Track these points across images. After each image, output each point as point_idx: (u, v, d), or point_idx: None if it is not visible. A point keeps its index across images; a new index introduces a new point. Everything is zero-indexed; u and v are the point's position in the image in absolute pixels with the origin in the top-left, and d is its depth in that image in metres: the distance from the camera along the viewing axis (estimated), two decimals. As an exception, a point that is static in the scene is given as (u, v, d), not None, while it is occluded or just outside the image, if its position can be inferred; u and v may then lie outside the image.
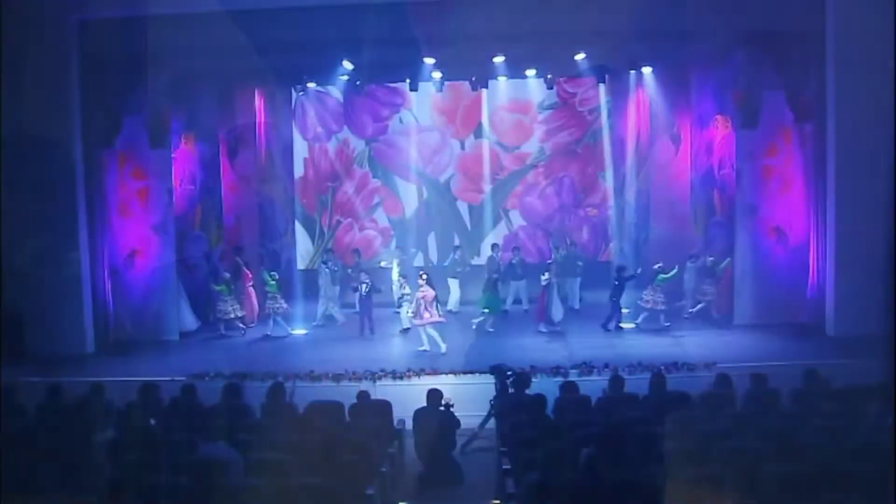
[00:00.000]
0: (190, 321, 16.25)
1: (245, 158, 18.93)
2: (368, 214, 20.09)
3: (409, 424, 10.41)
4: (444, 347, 14.15)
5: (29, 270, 14.09)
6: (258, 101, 19.33)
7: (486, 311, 15.70)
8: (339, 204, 20.08)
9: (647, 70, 17.96)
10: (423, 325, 14.31)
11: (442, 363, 13.09)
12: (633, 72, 18.31)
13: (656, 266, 15.68)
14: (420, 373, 12.66)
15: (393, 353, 14.38)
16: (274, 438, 8.67)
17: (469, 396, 11.53)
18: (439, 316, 14.30)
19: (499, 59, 16.94)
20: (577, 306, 16.78)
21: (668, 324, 15.46)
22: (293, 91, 19.20)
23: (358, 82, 18.38)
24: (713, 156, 17.19)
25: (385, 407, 10.58)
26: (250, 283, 16.68)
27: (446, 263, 19.45)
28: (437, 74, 17.43)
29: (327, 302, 16.71)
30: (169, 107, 15.66)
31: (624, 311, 16.58)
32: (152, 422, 8.78)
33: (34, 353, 13.96)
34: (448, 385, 11.26)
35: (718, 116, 17.02)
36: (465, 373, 12.59)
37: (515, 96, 19.77)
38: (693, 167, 17.88)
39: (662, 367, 12.14)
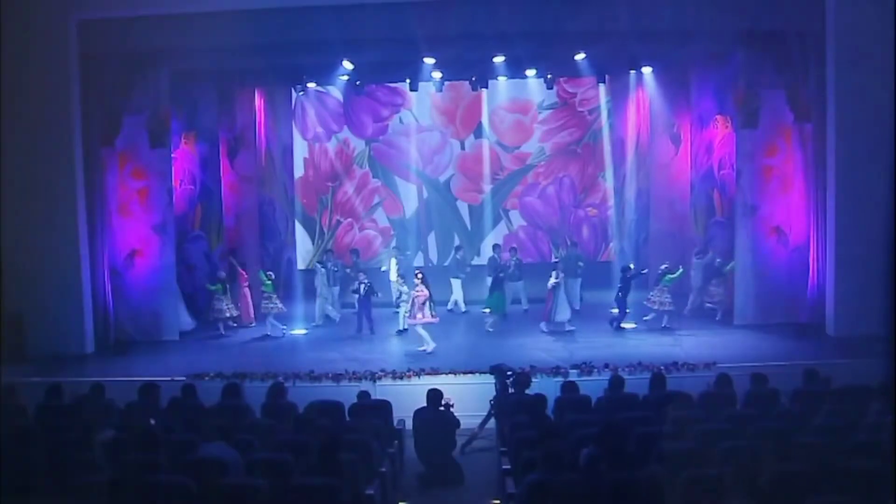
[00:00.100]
0: (186, 321, 16.25)
1: (245, 158, 18.92)
2: (368, 214, 20.10)
3: (409, 424, 10.41)
4: (430, 347, 14.14)
5: (29, 270, 14.08)
6: (258, 101, 19.32)
7: (491, 310, 15.68)
8: (339, 204, 20.08)
9: (647, 70, 17.95)
10: (416, 325, 14.32)
11: (442, 363, 13.06)
12: (633, 72, 18.30)
13: (663, 266, 15.66)
14: (420, 373, 12.65)
15: (393, 353, 14.37)
16: (274, 438, 8.68)
17: (469, 396, 11.53)
18: (432, 316, 14.28)
19: (499, 59, 16.93)
20: (577, 307, 16.75)
21: (668, 326, 15.43)
22: (293, 91, 19.20)
23: (358, 82, 18.37)
24: (713, 156, 17.19)
25: (385, 407, 10.59)
26: (246, 284, 16.69)
27: (446, 263, 19.47)
28: (437, 74, 17.42)
29: (324, 302, 16.70)
30: (169, 107, 15.64)
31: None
32: (152, 422, 8.77)
33: (34, 353, 13.95)
34: (448, 385, 11.23)
35: (718, 116, 17.02)
36: (465, 373, 12.57)
37: (515, 96, 19.77)
38: (693, 167, 17.88)
39: (662, 367, 12.14)
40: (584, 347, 14.07)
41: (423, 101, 19.54)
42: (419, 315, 14.27)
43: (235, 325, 16.25)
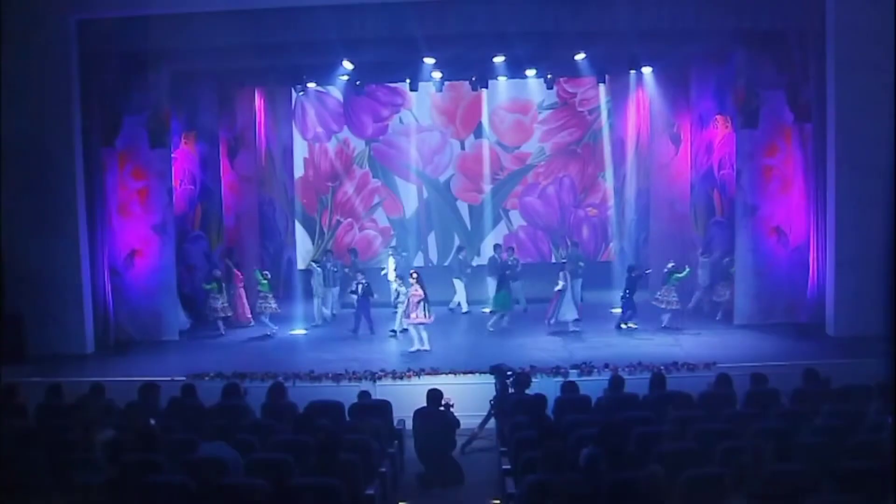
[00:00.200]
0: (182, 320, 16.25)
1: (245, 158, 18.93)
2: (368, 214, 20.10)
3: (409, 424, 10.41)
4: (425, 347, 14.15)
5: (29, 270, 14.08)
6: (258, 101, 19.34)
7: (498, 309, 15.65)
8: (339, 204, 20.08)
9: (647, 70, 17.94)
10: (410, 325, 14.31)
11: (442, 363, 13.06)
12: (633, 72, 18.30)
13: (669, 265, 15.66)
14: (420, 373, 12.64)
15: (392, 353, 14.36)
16: (274, 438, 8.69)
17: (469, 396, 11.52)
18: (426, 317, 14.27)
19: (499, 59, 16.93)
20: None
21: (666, 325, 15.42)
22: (293, 91, 19.18)
23: (358, 82, 18.36)
24: (713, 156, 17.18)
25: (385, 407, 10.58)
26: (241, 283, 16.71)
27: (446, 263, 19.49)
28: (437, 74, 17.41)
29: (320, 302, 16.69)
30: (169, 107, 15.64)
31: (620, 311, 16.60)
32: (152, 422, 8.78)
33: (34, 353, 13.95)
34: (448, 385, 11.23)
35: (718, 116, 17.01)
36: (465, 373, 12.57)
37: (515, 96, 19.77)
38: (693, 167, 17.87)
39: (662, 367, 12.14)
40: (584, 347, 14.07)
41: (423, 101, 19.53)
42: (413, 315, 14.27)
43: (223, 325, 16.22)
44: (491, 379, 11.53)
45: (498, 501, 9.16)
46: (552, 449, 7.28)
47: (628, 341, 14.65)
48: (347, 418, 9.97)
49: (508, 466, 8.60)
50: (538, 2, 14.33)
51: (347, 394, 11.27)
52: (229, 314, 16.25)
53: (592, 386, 11.15)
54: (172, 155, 16.15)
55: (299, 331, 16.29)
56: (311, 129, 19.98)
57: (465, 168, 20.02)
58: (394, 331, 15.38)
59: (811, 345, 13.77)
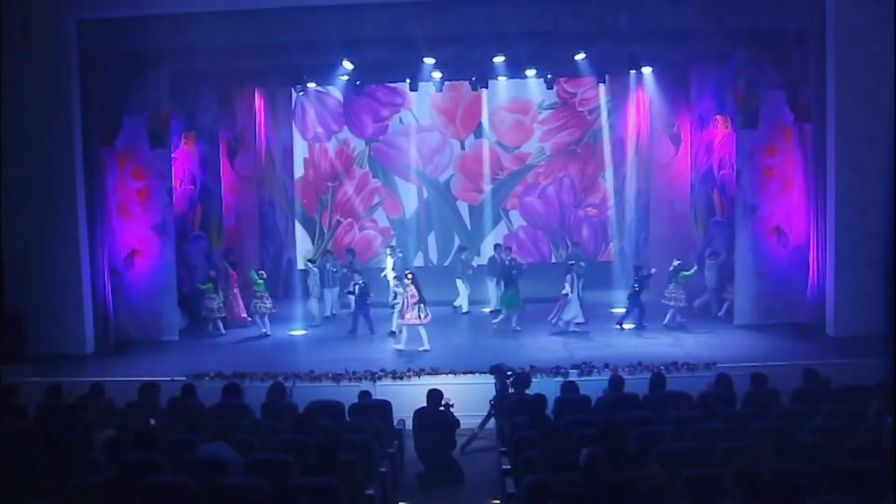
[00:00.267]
0: (177, 320, 16.24)
1: (245, 158, 18.93)
2: (368, 214, 20.11)
3: (409, 424, 10.41)
4: (403, 345, 14.17)
5: (29, 270, 14.08)
6: (258, 101, 19.34)
7: (508, 308, 15.63)
8: (339, 204, 20.09)
9: (647, 70, 17.94)
10: (403, 325, 14.31)
11: (442, 363, 13.05)
12: (633, 72, 18.30)
13: (676, 263, 15.68)
14: (420, 373, 12.65)
15: (393, 352, 14.35)
16: (274, 438, 8.68)
17: (469, 396, 11.52)
18: (420, 318, 14.24)
19: (499, 59, 16.93)
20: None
21: (667, 323, 15.45)
22: (293, 91, 19.18)
23: (358, 82, 18.36)
24: (713, 156, 17.18)
25: (385, 407, 10.58)
26: (235, 283, 16.73)
27: (447, 263, 19.50)
28: (437, 74, 17.41)
29: (316, 302, 16.68)
30: (169, 107, 15.64)
31: (623, 310, 16.58)
32: (152, 422, 8.77)
33: (34, 353, 13.95)
34: (448, 385, 11.23)
35: (718, 116, 17.00)
36: (465, 373, 12.57)
37: (515, 96, 19.78)
38: (693, 167, 17.87)
39: (662, 367, 12.14)
40: (584, 347, 14.07)
41: (423, 101, 19.54)
42: (408, 315, 14.27)
43: (222, 326, 16.25)
44: (491, 379, 11.53)
45: (498, 501, 9.16)
46: (552, 449, 7.28)
47: (628, 341, 14.64)
48: (347, 418, 9.97)
49: (508, 466, 8.60)
50: (538, 2, 14.33)
51: (347, 394, 11.27)
52: (224, 314, 16.26)
53: (592, 386, 11.14)
54: (172, 155, 16.15)
55: (299, 331, 16.28)
56: (311, 129, 19.98)
57: (465, 168, 20.03)
58: (393, 332, 15.39)
59: (811, 345, 13.77)
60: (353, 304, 15.90)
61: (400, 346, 14.25)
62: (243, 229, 19.04)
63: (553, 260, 19.78)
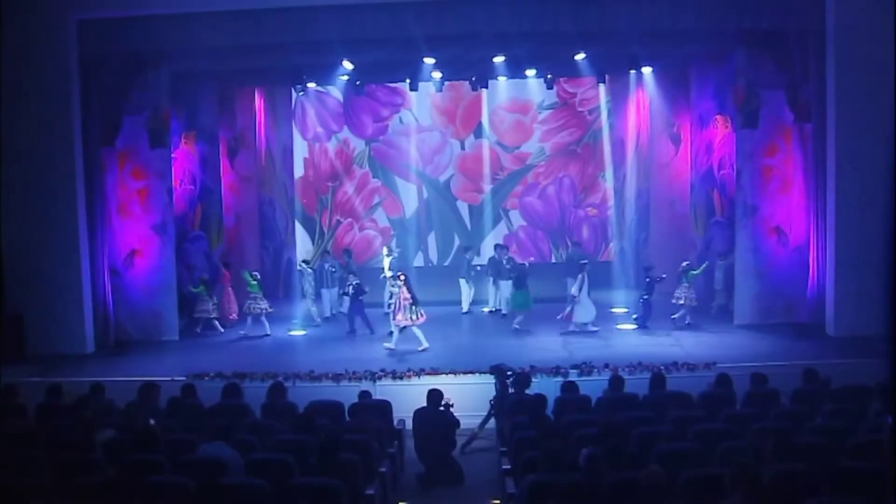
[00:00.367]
0: None
1: (245, 158, 18.93)
2: (368, 214, 20.10)
3: (409, 424, 10.41)
4: (393, 345, 14.16)
5: (29, 270, 14.09)
6: (258, 101, 19.34)
7: (519, 308, 15.63)
8: (339, 204, 20.08)
9: (647, 70, 17.94)
10: (397, 326, 14.33)
11: (442, 363, 13.05)
12: (633, 72, 18.30)
13: (684, 263, 15.69)
14: (420, 373, 12.64)
15: (394, 352, 14.33)
16: (274, 438, 8.69)
17: (469, 396, 11.53)
18: (411, 319, 14.22)
19: (499, 59, 16.93)
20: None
21: (691, 322, 15.45)
22: (293, 91, 19.18)
23: (358, 82, 18.37)
24: (713, 156, 17.18)
25: (385, 407, 10.59)
26: (229, 284, 16.74)
27: (447, 263, 19.50)
28: (437, 74, 17.42)
29: (310, 302, 16.65)
30: (169, 107, 15.63)
31: (623, 310, 16.60)
32: (152, 422, 8.78)
33: (34, 353, 13.95)
34: (448, 385, 11.23)
35: (718, 116, 17.01)
36: (465, 373, 12.56)
37: (515, 96, 19.77)
38: (693, 167, 17.88)
39: (662, 367, 12.14)
40: (584, 347, 14.05)
41: (423, 101, 19.54)
42: (399, 316, 14.28)
43: (221, 329, 16.26)
44: (491, 379, 11.54)
45: (498, 501, 9.16)
46: (552, 449, 7.28)
47: (628, 341, 14.63)
48: (347, 418, 9.98)
49: (508, 466, 8.60)
50: (538, 2, 14.33)
51: (347, 394, 11.27)
52: (217, 315, 16.28)
53: (592, 386, 11.14)
54: (172, 155, 16.14)
55: (299, 331, 16.28)
56: (311, 129, 19.98)
57: (465, 168, 20.02)
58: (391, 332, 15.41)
59: (811, 345, 13.76)
60: (347, 305, 15.92)
61: (390, 346, 14.24)
62: (243, 229, 19.04)
63: (553, 260, 19.77)
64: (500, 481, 9.13)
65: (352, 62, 16.51)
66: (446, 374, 12.58)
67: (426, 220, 20.04)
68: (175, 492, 6.95)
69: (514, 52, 16.17)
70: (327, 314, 17.07)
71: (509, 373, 11.22)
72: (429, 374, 12.58)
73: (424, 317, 14.39)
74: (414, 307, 14.21)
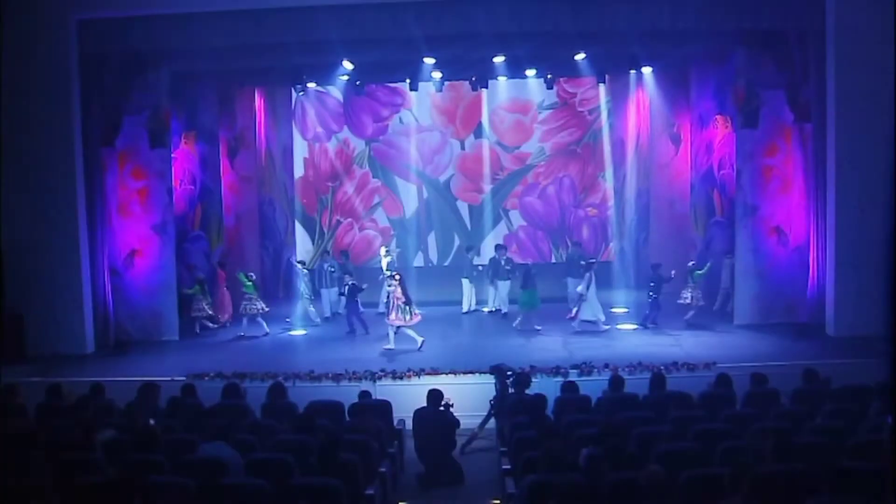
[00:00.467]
0: None
1: (245, 158, 18.94)
2: (368, 214, 20.10)
3: (409, 424, 10.41)
4: (392, 345, 14.22)
5: (29, 270, 14.09)
6: (258, 101, 19.35)
7: (527, 308, 15.63)
8: (339, 204, 20.09)
9: (647, 70, 17.95)
10: (392, 325, 14.36)
11: (442, 363, 13.04)
12: (633, 72, 18.31)
13: (690, 263, 15.72)
14: (420, 373, 12.64)
15: (403, 353, 14.32)
16: (274, 438, 8.69)
17: (469, 396, 11.52)
18: (405, 319, 14.25)
19: (499, 59, 16.94)
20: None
21: (697, 320, 15.47)
22: (293, 91, 19.19)
23: (358, 82, 18.37)
24: (713, 156, 17.19)
25: (385, 407, 10.59)
26: (224, 284, 16.75)
27: (447, 263, 19.51)
28: (437, 74, 17.42)
29: (306, 303, 16.66)
30: (169, 107, 15.64)
31: (623, 310, 16.59)
32: (152, 422, 8.78)
33: (34, 353, 13.95)
34: (448, 385, 11.23)
35: (718, 116, 17.03)
36: (465, 373, 12.56)
37: (515, 96, 19.78)
38: (693, 167, 17.88)
39: (662, 367, 12.14)
40: (584, 347, 14.05)
41: (423, 101, 19.54)
42: (392, 316, 14.32)
43: (214, 325, 16.30)
44: (491, 379, 11.54)
45: (498, 501, 9.16)
46: (552, 449, 7.28)
47: (628, 341, 14.62)
48: (347, 418, 9.97)
49: (508, 466, 8.60)
50: (538, 2, 14.33)
51: (347, 394, 11.27)
52: (211, 314, 16.30)
53: (592, 386, 11.14)
54: (172, 155, 16.16)
55: (300, 331, 16.28)
56: (311, 129, 19.99)
57: (465, 168, 20.03)
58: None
59: (811, 345, 13.76)
60: (344, 306, 15.95)
61: (390, 347, 14.26)
62: (243, 229, 19.04)
63: (553, 260, 19.77)
64: (500, 481, 9.13)
65: (352, 62, 16.51)
66: (446, 374, 12.58)
67: (426, 220, 20.04)
68: (175, 492, 6.95)
69: (514, 52, 16.17)
70: (327, 314, 17.09)
71: (509, 373, 11.22)
72: (429, 374, 12.58)
73: (418, 317, 14.42)
74: (408, 307, 14.23)
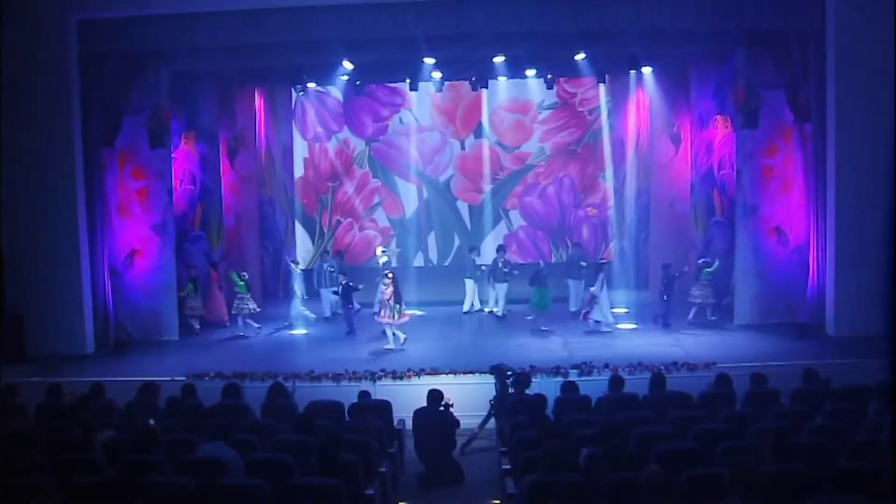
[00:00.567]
0: None
1: (245, 158, 18.93)
2: (368, 214, 20.11)
3: (409, 424, 10.41)
4: (392, 344, 14.29)
5: (29, 270, 14.09)
6: (258, 101, 19.34)
7: (537, 308, 15.63)
8: (339, 204, 20.09)
9: (647, 70, 17.93)
10: (382, 323, 14.40)
11: (442, 363, 13.05)
12: (633, 72, 18.29)
13: (700, 261, 15.75)
14: (420, 373, 12.64)
15: (392, 352, 14.33)
16: (274, 438, 8.69)
17: (469, 396, 11.52)
18: (393, 317, 14.30)
19: (499, 59, 16.92)
20: (574, 307, 16.67)
21: (714, 318, 15.52)
22: (293, 91, 19.19)
23: (358, 82, 18.36)
24: (713, 156, 17.18)
25: (385, 407, 10.59)
26: (217, 285, 16.75)
27: (446, 263, 19.50)
28: (437, 74, 17.41)
29: (300, 302, 16.65)
30: (169, 107, 15.64)
31: (623, 310, 16.58)
32: (152, 422, 8.78)
33: (34, 353, 13.95)
34: (448, 385, 11.23)
35: (718, 116, 17.01)
36: (465, 373, 12.57)
37: (515, 96, 19.78)
38: (693, 167, 17.87)
39: (662, 367, 12.14)
40: (584, 347, 14.05)
41: (423, 101, 19.54)
42: (383, 313, 14.35)
43: (198, 327, 16.25)
44: (491, 379, 11.53)
45: (498, 501, 9.16)
46: (552, 449, 7.28)
47: (628, 341, 14.63)
48: (347, 418, 9.97)
49: (508, 466, 8.60)
50: (538, 2, 14.33)
51: (347, 394, 11.27)
52: (202, 313, 16.30)
53: (592, 386, 11.15)
54: (172, 155, 16.14)
55: (300, 331, 16.28)
56: (311, 129, 19.99)
57: (465, 168, 20.02)
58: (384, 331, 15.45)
59: (811, 345, 13.76)
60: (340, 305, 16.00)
61: (389, 346, 14.28)
62: (243, 229, 19.03)
63: (553, 260, 19.77)
64: (500, 481, 9.13)
65: (352, 62, 16.50)
66: (446, 374, 12.58)
67: (426, 220, 20.04)
68: (175, 492, 6.95)
69: (514, 52, 16.16)
70: (327, 314, 17.08)
71: (509, 373, 11.22)
72: (429, 374, 12.58)
73: (406, 317, 14.49)
74: (397, 306, 14.27)
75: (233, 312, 16.09)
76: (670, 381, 10.53)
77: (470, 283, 17.43)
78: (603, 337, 14.95)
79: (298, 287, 16.60)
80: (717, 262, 15.70)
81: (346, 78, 17.93)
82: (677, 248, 17.74)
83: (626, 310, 16.69)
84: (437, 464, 10.09)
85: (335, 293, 16.28)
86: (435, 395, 10.18)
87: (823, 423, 8.36)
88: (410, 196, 20.03)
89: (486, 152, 19.89)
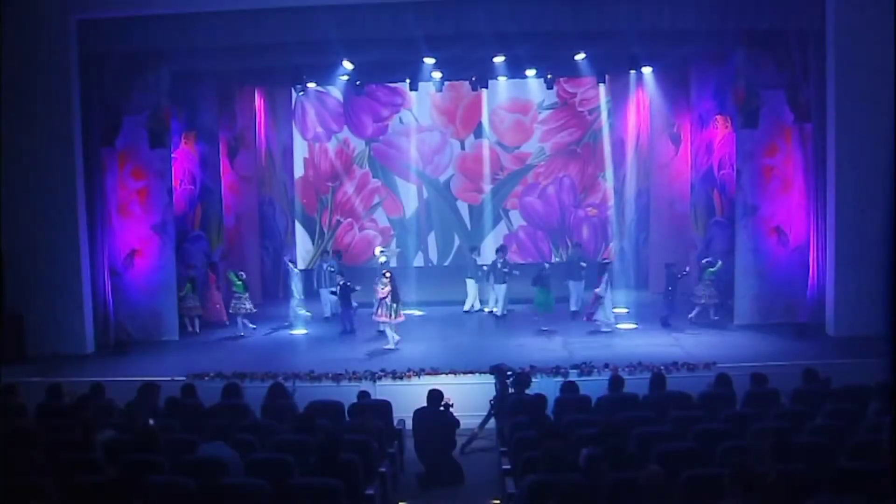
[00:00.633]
0: None
1: (245, 158, 18.93)
2: (368, 214, 20.11)
3: (409, 424, 10.41)
4: (392, 345, 14.33)
5: (29, 270, 14.08)
6: (258, 101, 19.34)
7: (541, 309, 15.64)
8: (339, 204, 20.09)
9: (647, 70, 17.93)
10: (379, 322, 14.44)
11: (442, 363, 13.05)
12: (633, 72, 18.28)
13: (703, 261, 15.75)
14: (420, 373, 12.64)
15: (392, 352, 14.33)
16: (274, 438, 8.69)
17: (469, 396, 11.52)
18: (389, 317, 14.34)
19: (499, 59, 16.93)
20: (574, 307, 16.68)
21: (717, 317, 15.54)
22: (293, 91, 19.18)
23: (358, 82, 18.37)
24: (713, 156, 17.18)
25: (385, 407, 10.59)
26: (214, 285, 16.75)
27: (446, 263, 19.50)
28: (437, 74, 17.42)
29: (297, 302, 16.65)
30: (169, 107, 15.64)
31: (623, 310, 16.57)
32: (152, 422, 8.78)
33: (34, 353, 13.95)
34: (448, 385, 11.23)
35: (718, 116, 17.00)
36: (465, 373, 12.57)
37: (515, 96, 19.78)
38: (693, 167, 17.87)
39: (662, 367, 12.14)
40: (584, 347, 14.05)
41: (423, 101, 19.55)
42: (380, 312, 14.39)
43: (193, 328, 16.25)
44: (491, 379, 11.53)
45: (498, 501, 9.16)
46: (552, 449, 7.28)
47: (628, 341, 14.63)
48: (347, 418, 9.97)
49: (508, 466, 8.60)
50: (538, 2, 14.33)
51: (347, 394, 11.27)
52: (200, 313, 16.31)
53: (592, 386, 11.15)
54: (172, 155, 16.15)
55: (300, 331, 16.28)
56: (311, 129, 19.99)
57: (465, 168, 20.03)
58: (380, 330, 15.45)
59: (811, 345, 13.77)
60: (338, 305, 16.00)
61: (389, 346, 14.30)
62: (243, 229, 19.03)
63: (553, 260, 19.76)
64: (500, 481, 9.13)
65: (352, 62, 16.50)
66: (446, 374, 12.58)
67: (426, 220, 20.05)
68: (175, 492, 6.95)
69: (514, 52, 16.16)
70: (327, 314, 17.07)
71: (509, 373, 11.22)
72: (429, 374, 12.59)
73: (403, 317, 14.50)
74: (395, 306, 14.29)
75: (230, 312, 16.10)
76: (670, 381, 10.53)
77: (472, 283, 17.42)
78: (603, 337, 14.95)
79: (296, 287, 16.60)
80: (719, 262, 15.71)
81: (346, 78, 17.93)
82: (677, 248, 17.74)
83: (626, 310, 16.68)
84: (437, 464, 10.09)
85: (333, 293, 16.31)
86: (435, 395, 10.18)
87: (823, 423, 8.36)
88: (410, 196, 20.03)
89: (486, 152, 19.89)
